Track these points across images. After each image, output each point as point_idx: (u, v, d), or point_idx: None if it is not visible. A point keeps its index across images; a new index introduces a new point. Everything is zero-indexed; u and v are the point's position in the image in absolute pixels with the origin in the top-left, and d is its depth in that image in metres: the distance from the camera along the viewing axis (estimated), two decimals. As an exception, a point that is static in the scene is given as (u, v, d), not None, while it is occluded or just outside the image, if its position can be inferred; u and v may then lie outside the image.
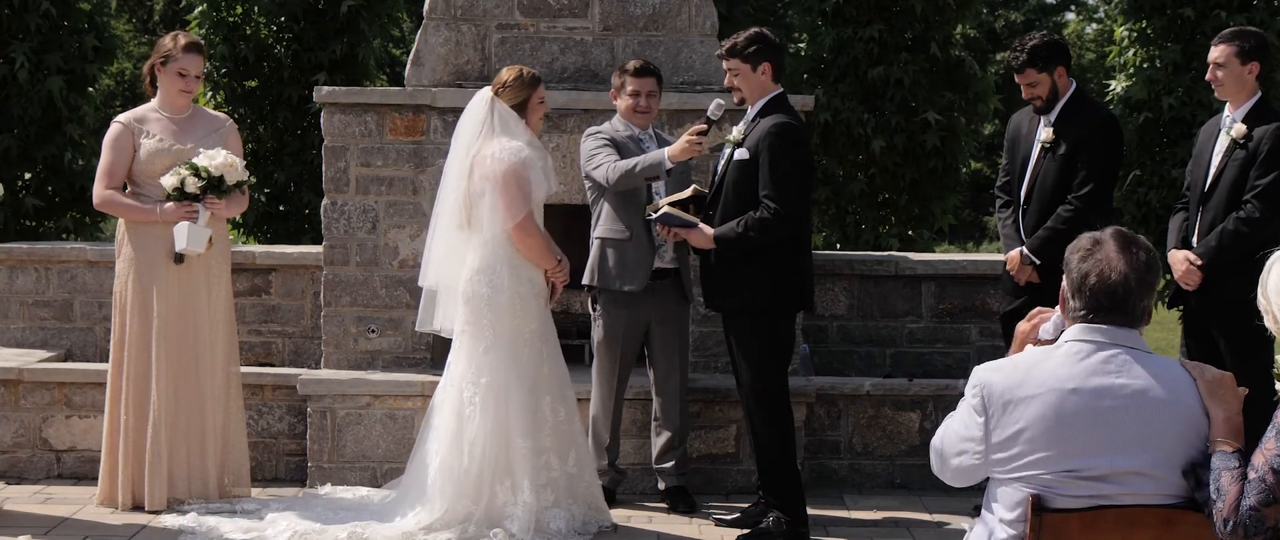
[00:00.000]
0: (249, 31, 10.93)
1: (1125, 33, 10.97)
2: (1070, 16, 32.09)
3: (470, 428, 6.38)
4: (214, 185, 6.73)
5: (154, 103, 7.00)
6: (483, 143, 6.45)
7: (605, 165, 6.75)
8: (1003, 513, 3.58)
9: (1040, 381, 3.54)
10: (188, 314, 6.83)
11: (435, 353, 7.64)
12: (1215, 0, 10.56)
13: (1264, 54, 6.43)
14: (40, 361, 7.86)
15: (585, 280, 6.95)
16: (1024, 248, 6.64)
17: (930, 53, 10.99)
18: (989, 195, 17.97)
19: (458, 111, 6.86)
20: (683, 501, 7.05)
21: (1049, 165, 6.62)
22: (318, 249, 8.19)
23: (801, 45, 11.43)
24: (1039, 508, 3.48)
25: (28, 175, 10.36)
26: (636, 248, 6.87)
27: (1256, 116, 6.41)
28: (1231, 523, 3.35)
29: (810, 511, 6.67)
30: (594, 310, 7.03)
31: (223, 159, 6.75)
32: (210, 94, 10.82)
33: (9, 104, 10.19)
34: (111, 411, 6.86)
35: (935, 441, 3.78)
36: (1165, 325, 12.12)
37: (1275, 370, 3.95)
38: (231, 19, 10.94)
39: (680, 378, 7.05)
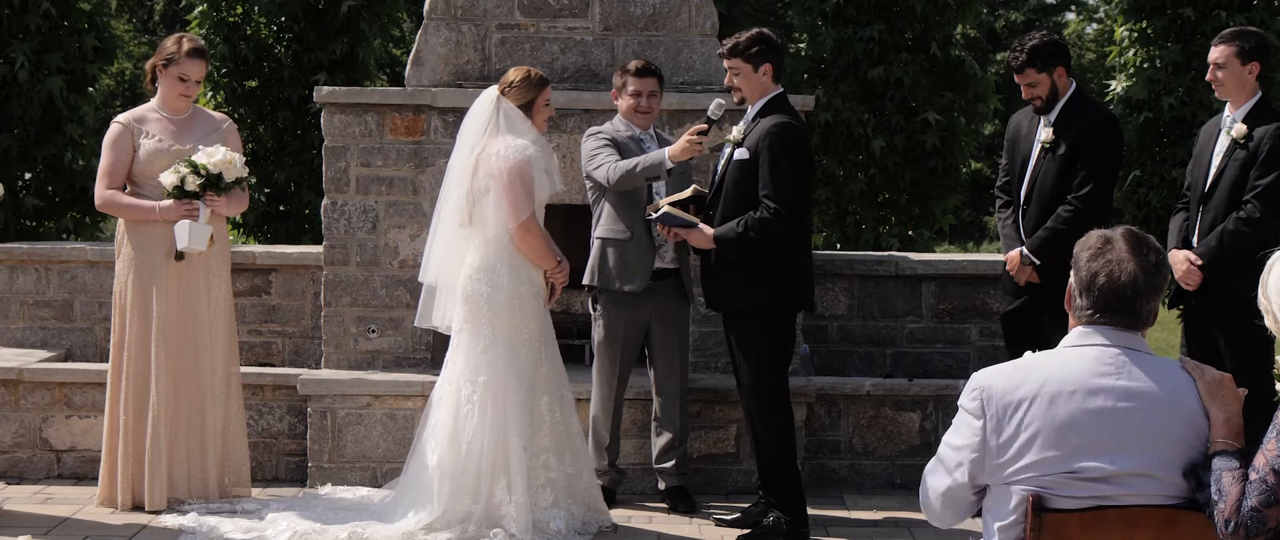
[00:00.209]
0: (249, 31, 10.94)
1: (1125, 33, 10.98)
2: (1070, 16, 32.07)
3: (468, 426, 6.38)
4: (213, 182, 6.72)
5: (153, 103, 7.00)
6: (488, 141, 6.45)
7: (606, 165, 6.75)
8: (1001, 516, 3.57)
9: (1040, 383, 3.53)
10: (188, 314, 6.83)
11: (435, 353, 7.64)
12: (1215, 0, 10.56)
13: (1264, 54, 6.43)
14: (40, 361, 7.86)
15: (586, 280, 6.95)
16: (1024, 248, 6.64)
17: (930, 53, 11.00)
18: (989, 195, 17.97)
19: (458, 111, 6.87)
20: (683, 502, 7.05)
21: (1049, 165, 6.61)
22: (318, 249, 8.19)
23: (801, 45, 11.44)
24: (1039, 508, 3.48)
25: (28, 175, 10.36)
26: (637, 248, 6.87)
27: (1257, 116, 6.41)
28: (1233, 524, 3.35)
29: (810, 511, 6.67)
30: (594, 310, 7.03)
31: (222, 156, 6.74)
32: (210, 94, 10.82)
33: (9, 104, 10.19)
34: (111, 411, 6.86)
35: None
36: (1165, 325, 12.11)
37: (1275, 370, 3.96)
38: (231, 19, 10.95)
39: (680, 378, 7.05)
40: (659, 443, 7.10)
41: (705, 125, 6.59)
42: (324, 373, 7.55)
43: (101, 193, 6.85)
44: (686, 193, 6.59)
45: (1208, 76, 6.55)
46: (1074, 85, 6.67)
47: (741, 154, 6.42)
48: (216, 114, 7.19)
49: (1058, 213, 6.55)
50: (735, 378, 6.69)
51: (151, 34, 26.70)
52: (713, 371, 7.62)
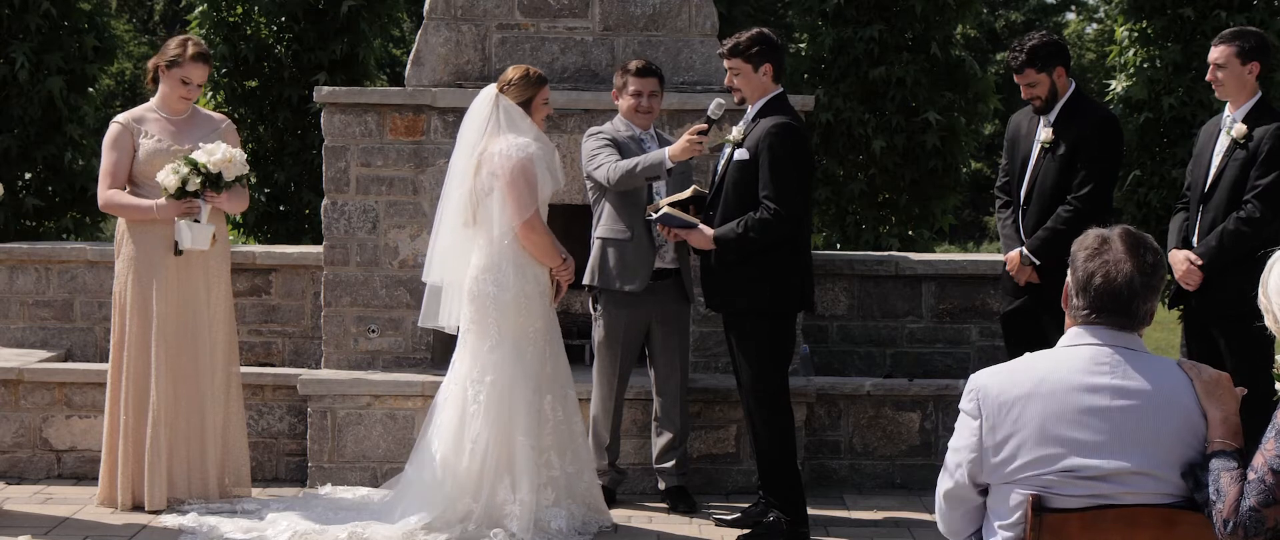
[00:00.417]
0: (249, 31, 10.93)
1: (1125, 33, 10.98)
2: (1070, 16, 32.07)
3: (473, 426, 6.39)
4: (213, 180, 6.72)
5: (153, 103, 7.00)
6: (489, 140, 6.45)
7: (606, 165, 6.75)
8: (1002, 515, 3.57)
9: (1037, 382, 3.53)
10: (187, 314, 6.83)
11: (435, 353, 7.64)
12: (1215, 0, 10.56)
13: (1264, 54, 6.43)
14: (40, 361, 7.86)
15: (586, 280, 6.96)
16: (1024, 248, 6.64)
17: (930, 53, 11.00)
18: (989, 195, 17.97)
19: (458, 111, 6.87)
20: (683, 501, 7.05)
21: (1048, 165, 6.61)
22: (318, 249, 8.19)
23: (801, 45, 11.44)
24: (1039, 508, 3.48)
25: (28, 175, 10.36)
26: (637, 248, 6.87)
27: (1257, 116, 6.41)
28: (1231, 523, 3.35)
29: (810, 511, 6.67)
30: (595, 310, 7.03)
31: (222, 154, 6.73)
32: (210, 94, 10.82)
33: (9, 104, 10.19)
34: (111, 411, 6.86)
35: (936, 502, 3.76)
36: (1165, 325, 12.12)
37: (1275, 370, 3.95)
38: (231, 19, 10.94)
39: (681, 378, 7.05)
40: (659, 443, 7.10)
41: (705, 125, 6.59)
42: (324, 373, 7.55)
43: (103, 193, 6.85)
44: (686, 193, 6.59)
45: (1208, 77, 6.55)
46: (1074, 85, 6.67)
47: (741, 154, 6.42)
48: (215, 114, 7.19)
49: (1057, 213, 6.55)
50: (735, 378, 6.69)
51: (151, 34, 26.70)
52: (713, 371, 7.62)
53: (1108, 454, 3.46)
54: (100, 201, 6.89)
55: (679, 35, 7.79)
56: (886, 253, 9.60)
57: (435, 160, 7.51)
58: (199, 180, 6.69)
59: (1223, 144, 6.48)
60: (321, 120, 7.68)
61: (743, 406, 6.74)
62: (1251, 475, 3.36)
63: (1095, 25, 29.68)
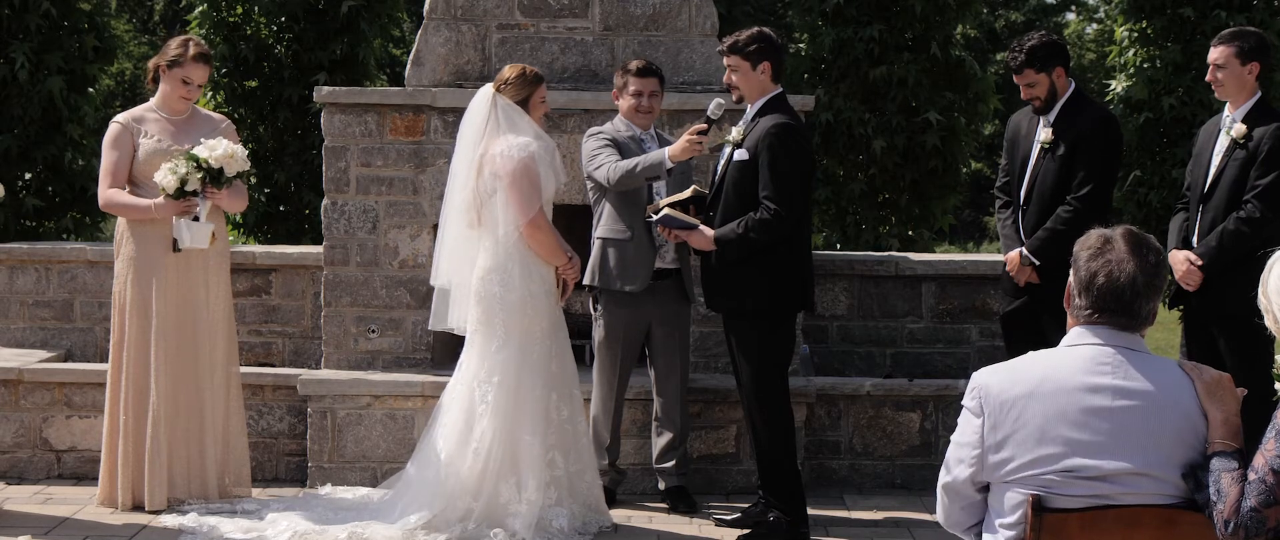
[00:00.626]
0: (249, 31, 10.93)
1: (1125, 33, 10.98)
2: (1070, 16, 32.08)
3: (479, 426, 6.39)
4: (214, 176, 6.71)
5: (152, 103, 7.00)
6: (489, 140, 6.46)
7: (606, 165, 6.75)
8: (1002, 515, 3.57)
9: (1038, 381, 3.53)
10: (187, 314, 6.83)
11: (435, 353, 7.64)
12: (1215, 0, 10.56)
13: (1264, 54, 6.43)
14: (40, 361, 7.86)
15: (586, 280, 6.96)
16: (1023, 248, 6.64)
17: (930, 53, 11.00)
18: (989, 195, 17.98)
19: (458, 111, 6.87)
20: (683, 502, 7.05)
21: (1048, 165, 6.61)
22: (318, 249, 8.19)
23: (801, 45, 11.44)
24: (1039, 507, 3.48)
25: (28, 175, 10.36)
26: (638, 248, 6.87)
27: (1256, 116, 6.41)
28: (1232, 524, 3.35)
29: (810, 511, 6.67)
30: (595, 310, 7.04)
31: (223, 150, 6.72)
32: (210, 94, 10.82)
33: (9, 104, 10.19)
34: (111, 411, 6.86)
35: (937, 499, 3.77)
36: (1165, 325, 12.11)
37: (1275, 370, 3.95)
38: (231, 19, 10.94)
39: (681, 378, 7.05)
40: (659, 443, 7.10)
41: (705, 125, 6.59)
42: (324, 373, 7.55)
43: (103, 192, 6.85)
44: (686, 193, 6.59)
45: (1207, 77, 6.55)
46: (1073, 85, 6.67)
47: (741, 154, 6.42)
48: (215, 114, 7.20)
49: (1057, 213, 6.55)
50: (735, 378, 6.69)
51: (151, 34, 26.70)
52: (713, 371, 7.62)
53: (1108, 454, 3.46)
54: (100, 201, 6.90)
55: (679, 35, 7.79)
56: (886, 253, 9.60)
57: (435, 160, 7.51)
58: (200, 176, 6.68)
59: (1222, 144, 6.48)
60: (321, 120, 7.68)
61: (743, 406, 6.74)
62: (1252, 476, 3.36)
63: (1095, 25, 29.69)
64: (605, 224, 6.93)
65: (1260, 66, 6.42)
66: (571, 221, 7.53)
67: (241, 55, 10.84)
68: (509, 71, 6.56)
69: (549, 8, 7.77)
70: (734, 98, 6.60)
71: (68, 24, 10.42)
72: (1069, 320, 3.64)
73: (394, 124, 7.56)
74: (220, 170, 6.70)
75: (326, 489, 7.22)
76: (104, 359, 7.60)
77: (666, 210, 6.53)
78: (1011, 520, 3.54)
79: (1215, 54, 6.45)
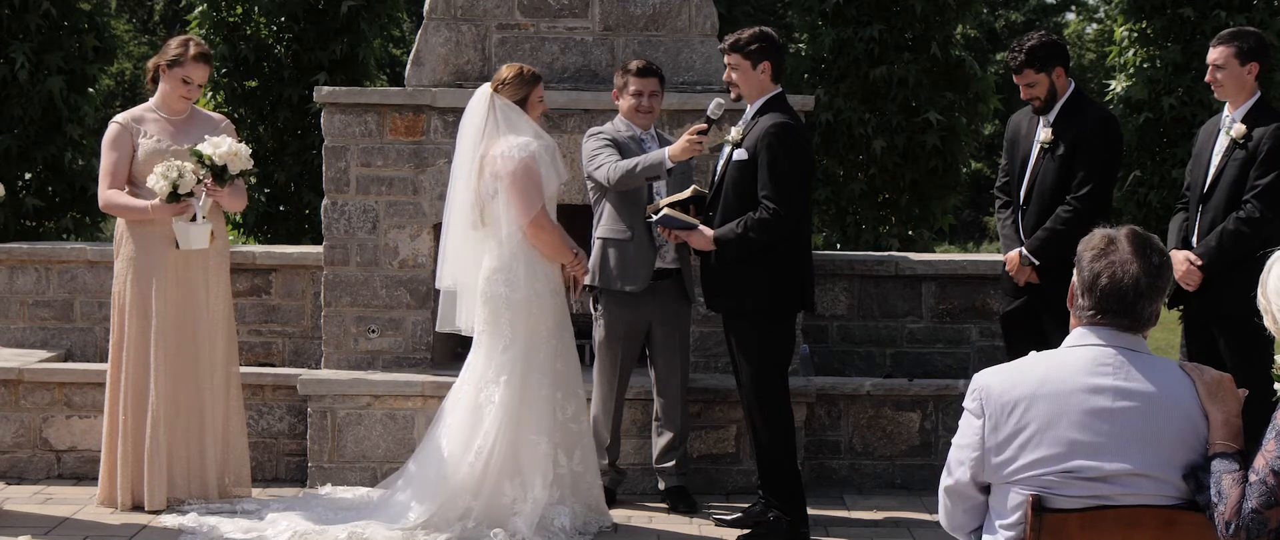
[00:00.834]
0: (249, 31, 10.94)
1: (1125, 33, 10.99)
2: (1070, 16, 32.08)
3: (484, 426, 6.40)
4: (218, 174, 6.71)
5: (152, 103, 7.00)
6: (489, 142, 6.46)
7: (606, 165, 6.75)
8: (1003, 515, 3.57)
9: (1037, 382, 3.53)
10: (187, 314, 6.83)
11: (435, 353, 7.64)
12: (1215, 0, 10.56)
13: (1263, 54, 6.43)
14: (40, 361, 7.86)
15: (586, 280, 6.96)
16: (1023, 248, 6.64)
17: (930, 53, 11.00)
18: (989, 195, 17.98)
19: (458, 111, 6.87)
20: (683, 501, 7.05)
21: (1048, 165, 6.61)
22: (318, 249, 8.19)
23: (801, 45, 11.44)
24: (1039, 508, 3.48)
25: (28, 175, 10.36)
26: (638, 248, 6.87)
27: (1256, 116, 6.40)
28: (1233, 526, 3.35)
29: (810, 511, 6.67)
30: (595, 310, 7.04)
31: (227, 147, 6.72)
32: (210, 94, 10.82)
33: (9, 104, 10.20)
34: (111, 411, 6.86)
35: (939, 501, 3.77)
36: (1165, 325, 12.10)
37: (1275, 370, 3.95)
38: (231, 19, 10.95)
39: (681, 378, 7.05)
40: (659, 443, 7.10)
41: (705, 125, 6.59)
42: (324, 373, 7.55)
43: (103, 193, 6.85)
44: (686, 193, 6.59)
45: (1207, 77, 6.55)
46: (1073, 85, 6.67)
47: (740, 154, 6.42)
48: (215, 114, 7.20)
49: (1057, 213, 6.54)
50: (735, 378, 6.69)
51: (151, 34, 26.70)
52: (713, 371, 7.62)
53: (1109, 455, 3.46)
54: (100, 202, 6.90)
55: (679, 35, 7.79)
56: (886, 253, 9.60)
57: (435, 160, 7.51)
58: (204, 171, 6.67)
59: (1222, 144, 6.47)
60: (321, 120, 7.68)
61: (743, 406, 6.74)
62: (1253, 477, 3.36)
63: (1095, 25, 29.70)
64: (605, 224, 6.93)
65: (1260, 67, 6.42)
66: (572, 221, 7.53)
67: (241, 55, 10.85)
68: (506, 71, 6.56)
69: (549, 8, 7.77)
70: (733, 97, 6.60)
71: (68, 24, 10.43)
72: (1072, 320, 3.64)
73: (394, 124, 7.56)
74: (224, 167, 6.71)
75: (326, 489, 7.22)
76: (104, 359, 7.60)
77: (666, 210, 6.53)
78: (1011, 521, 3.54)
79: (1214, 54, 6.45)
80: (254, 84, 10.96)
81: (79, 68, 10.43)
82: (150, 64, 7.03)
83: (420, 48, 7.77)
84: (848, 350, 8.55)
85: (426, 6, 7.82)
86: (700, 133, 6.57)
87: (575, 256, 6.58)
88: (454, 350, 7.72)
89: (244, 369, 7.31)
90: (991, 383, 3.58)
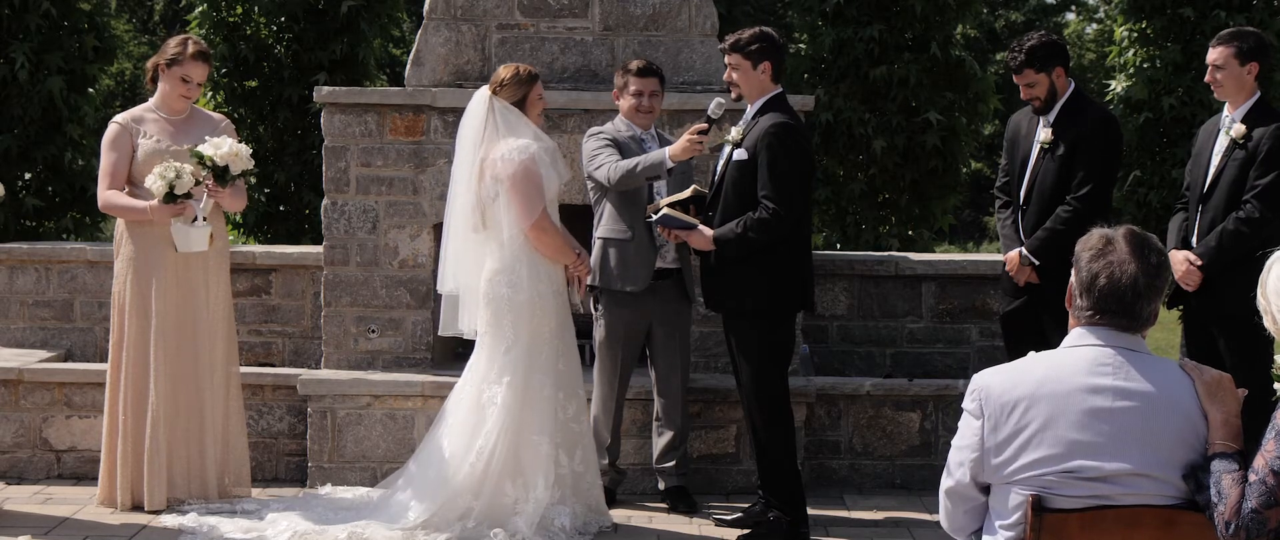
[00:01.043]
0: (249, 31, 10.94)
1: (1125, 33, 10.99)
2: (1070, 16, 32.09)
3: (486, 426, 6.40)
4: (219, 174, 6.71)
5: (151, 103, 7.00)
6: (489, 145, 6.46)
7: (607, 165, 6.75)
8: (1003, 515, 3.57)
9: (1037, 383, 3.53)
10: (187, 314, 6.83)
11: (435, 353, 7.64)
12: (1215, 0, 10.56)
13: (1263, 54, 6.43)
14: (40, 361, 7.86)
15: (588, 278, 6.96)
16: (1023, 248, 6.64)
17: (930, 53, 11.00)
18: (989, 195, 17.99)
19: (458, 111, 6.87)
20: (683, 502, 7.05)
21: (1048, 165, 6.61)
22: (318, 249, 8.19)
23: (801, 45, 11.44)
24: (1039, 508, 3.48)
25: (28, 175, 10.36)
26: (638, 248, 6.87)
27: (1256, 117, 6.40)
28: (1233, 526, 3.35)
29: (810, 511, 6.67)
30: (595, 310, 7.04)
31: (228, 147, 6.72)
32: (210, 94, 10.82)
33: (9, 104, 10.20)
34: (110, 411, 6.86)
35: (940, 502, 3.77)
36: (1165, 325, 12.10)
37: (1275, 370, 3.95)
38: (231, 19, 10.95)
39: (681, 378, 7.05)
40: (659, 443, 7.10)
41: (705, 125, 6.59)
42: (324, 373, 7.55)
43: (102, 193, 6.84)
44: (687, 193, 6.59)
45: (1207, 77, 6.55)
46: (1073, 85, 6.67)
47: (740, 154, 6.42)
48: (215, 114, 7.19)
49: (1057, 213, 6.55)
50: (735, 378, 6.69)
51: (151, 34, 26.70)
52: (713, 371, 7.62)
53: (1109, 455, 3.46)
54: (99, 202, 6.90)
55: (679, 35, 7.79)
56: (886, 253, 9.60)
57: (435, 160, 7.51)
58: (205, 171, 6.67)
59: (1222, 144, 6.47)
60: (321, 120, 7.68)
61: (743, 406, 6.74)
62: (1252, 477, 3.36)
63: (1095, 25, 29.70)
64: (606, 224, 6.93)
65: (1259, 67, 6.42)
66: (572, 221, 7.54)
67: (241, 55, 10.85)
68: (504, 72, 6.55)
69: (549, 8, 7.77)
70: (734, 96, 6.60)
71: (68, 24, 10.43)
72: (1070, 321, 3.64)
73: (394, 124, 7.56)
74: (225, 167, 6.71)
75: (326, 489, 7.22)
76: (104, 359, 7.60)
77: (666, 210, 6.53)
78: (1011, 521, 3.54)
79: (1214, 54, 6.45)
80: (254, 84, 10.96)
81: (79, 68, 10.43)
82: (149, 64, 7.03)
83: (420, 48, 7.77)
84: (848, 350, 8.55)
85: (426, 6, 7.82)
86: (700, 132, 6.57)
87: (578, 257, 6.59)
88: (454, 350, 7.72)
89: (244, 369, 7.31)
90: (991, 383, 3.58)
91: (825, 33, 11.10)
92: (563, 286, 6.58)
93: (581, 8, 7.77)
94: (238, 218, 10.72)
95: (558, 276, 6.56)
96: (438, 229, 7.23)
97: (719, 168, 6.57)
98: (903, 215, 11.30)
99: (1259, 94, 6.47)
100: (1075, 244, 3.67)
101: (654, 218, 6.61)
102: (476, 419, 6.44)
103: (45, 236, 10.37)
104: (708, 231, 6.46)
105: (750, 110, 6.52)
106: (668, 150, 6.66)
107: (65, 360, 8.18)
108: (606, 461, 7.07)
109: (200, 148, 6.71)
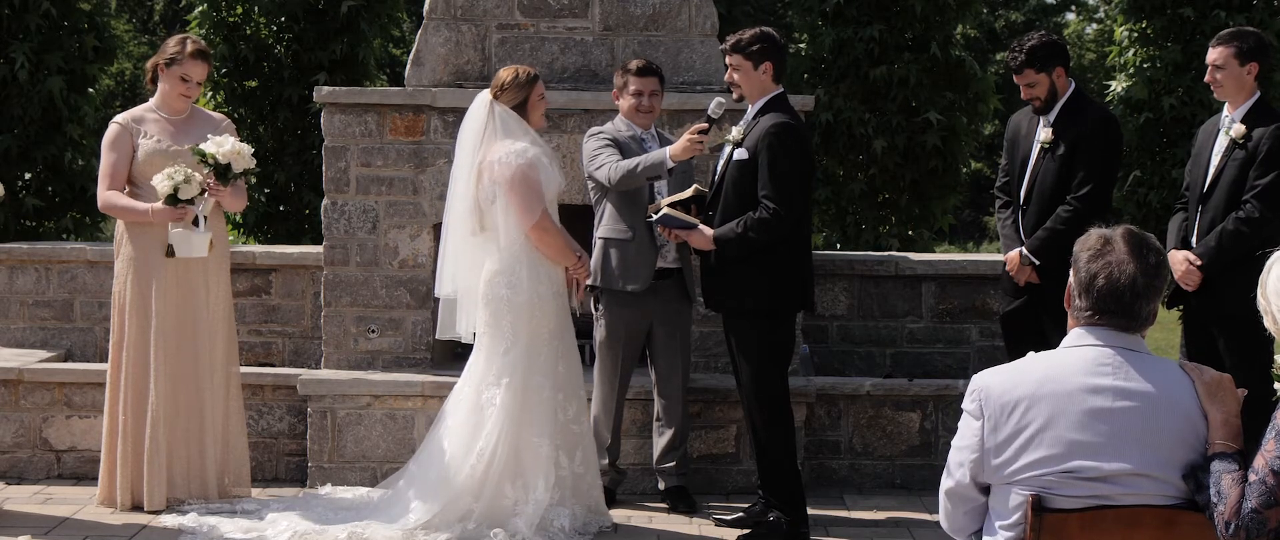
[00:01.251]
0: (249, 31, 10.94)
1: (1125, 33, 10.99)
2: (1070, 16, 32.09)
3: (486, 428, 6.40)
4: (221, 172, 6.71)
5: (152, 103, 7.00)
6: (487, 148, 6.46)
7: (607, 165, 6.75)
8: (1003, 515, 3.57)
9: (1037, 383, 3.53)
10: (187, 314, 6.83)
11: (435, 353, 7.64)
12: (1215, 0, 10.57)
13: (1262, 54, 6.43)
14: (40, 361, 7.86)
15: (587, 280, 6.96)
16: (1023, 248, 6.64)
17: (930, 53, 11.00)
18: (989, 195, 17.99)
19: (458, 111, 6.87)
20: (683, 501, 7.05)
21: (1048, 165, 6.61)
22: (318, 249, 8.19)
23: (802, 45, 11.44)
24: (1039, 508, 3.48)
25: (28, 175, 10.36)
26: (639, 247, 6.87)
27: (1256, 117, 6.40)
28: (1233, 526, 3.35)
29: (810, 511, 6.67)
30: (596, 310, 7.04)
31: (231, 146, 6.72)
32: (210, 94, 10.82)
33: (9, 104, 10.20)
34: (110, 411, 6.86)
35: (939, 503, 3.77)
36: (1165, 325, 12.11)
37: (1275, 370, 3.95)
38: (231, 19, 10.95)
39: (682, 378, 7.05)
40: (659, 443, 7.10)
41: (706, 124, 6.59)
42: (324, 373, 7.55)
43: (102, 194, 6.84)
44: (687, 193, 6.60)
45: (1207, 78, 6.55)
46: (1073, 85, 6.67)
47: (741, 154, 6.42)
48: (215, 114, 7.20)
49: (1057, 213, 6.55)
50: (735, 378, 6.69)
51: (151, 34, 26.70)
52: (713, 371, 7.62)
53: (1109, 455, 3.46)
54: (99, 203, 6.90)
55: (679, 35, 7.79)
56: (886, 253, 9.60)
57: (435, 160, 7.51)
58: (207, 169, 6.67)
59: (1221, 144, 6.47)
60: (321, 120, 7.68)
61: (743, 406, 6.74)
62: (1252, 477, 3.36)
63: (1095, 25, 29.70)
64: (607, 224, 6.94)
65: (1259, 67, 6.42)
66: (573, 222, 7.53)
67: (241, 55, 10.85)
68: (504, 75, 6.55)
69: (549, 8, 7.77)
70: (734, 96, 6.60)
71: (68, 24, 10.43)
72: (1069, 321, 3.64)
73: (394, 124, 7.56)
74: (227, 166, 6.70)
75: (326, 489, 7.22)
76: (104, 359, 7.60)
77: (666, 210, 6.53)
78: (1011, 521, 3.54)
79: (1214, 54, 6.45)
80: (254, 84, 10.96)
81: (79, 68, 10.43)
82: (149, 64, 7.03)
83: (420, 48, 7.77)
84: (848, 350, 8.55)
85: (426, 6, 7.82)
86: (701, 132, 6.57)
87: (578, 259, 6.59)
88: (454, 350, 7.72)
89: (244, 369, 7.31)
90: (990, 384, 3.58)
91: (825, 33, 11.10)
92: (562, 288, 6.58)
93: (581, 8, 7.77)
94: (238, 218, 10.72)
95: (557, 278, 6.56)
96: (438, 229, 7.23)
97: (719, 167, 6.57)
98: (903, 215, 11.30)
99: (1259, 94, 6.47)
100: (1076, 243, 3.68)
101: (654, 217, 6.61)
102: (475, 420, 6.44)
103: (45, 236, 10.37)
104: (708, 231, 6.46)
105: (751, 110, 6.52)
106: (668, 150, 6.66)
107: (65, 360, 8.18)
108: (606, 461, 7.08)
109: (203, 145, 6.71)
